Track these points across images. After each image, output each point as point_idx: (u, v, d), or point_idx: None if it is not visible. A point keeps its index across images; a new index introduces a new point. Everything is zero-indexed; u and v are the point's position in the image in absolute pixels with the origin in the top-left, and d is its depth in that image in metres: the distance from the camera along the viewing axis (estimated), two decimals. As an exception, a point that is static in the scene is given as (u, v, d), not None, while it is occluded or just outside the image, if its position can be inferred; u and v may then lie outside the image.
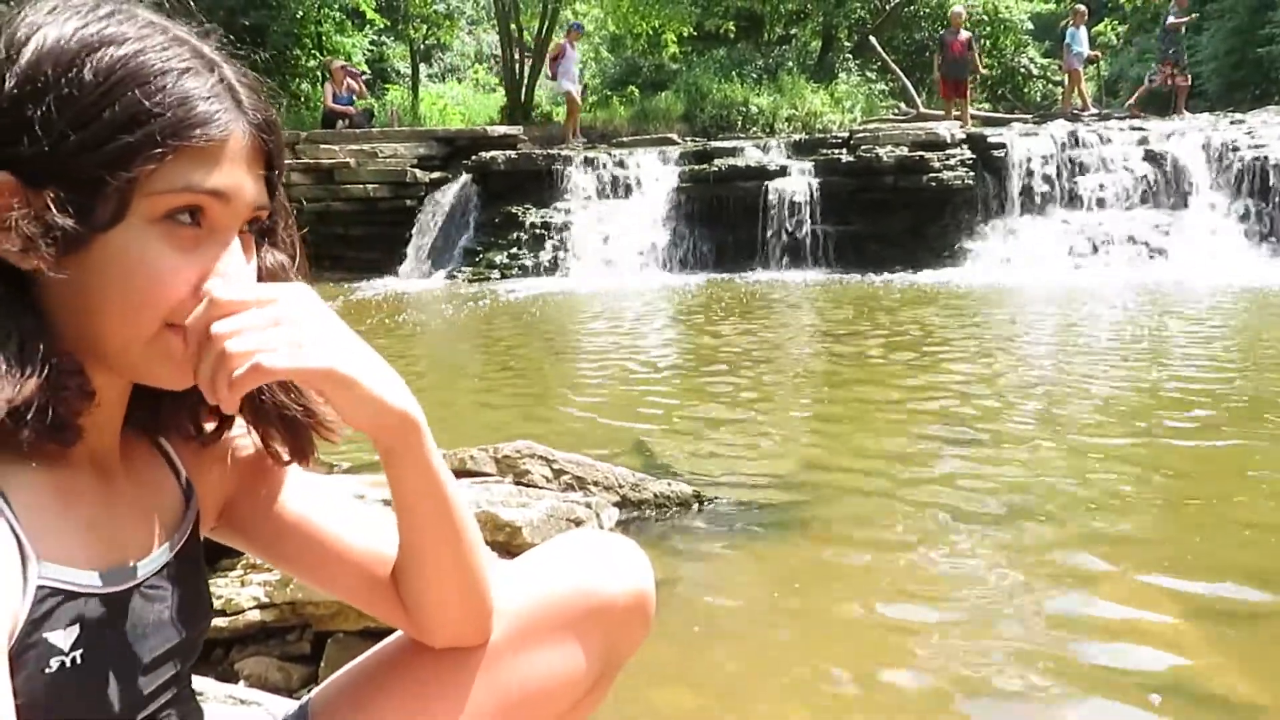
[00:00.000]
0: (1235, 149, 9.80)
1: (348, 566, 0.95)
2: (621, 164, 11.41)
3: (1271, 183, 9.45)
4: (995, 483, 3.66)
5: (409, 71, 20.51)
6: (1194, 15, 13.34)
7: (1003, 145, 10.27)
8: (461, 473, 3.32)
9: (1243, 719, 2.13)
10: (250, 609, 2.21)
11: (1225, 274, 8.68)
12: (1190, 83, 13.16)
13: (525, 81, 17.92)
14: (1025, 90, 23.74)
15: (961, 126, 11.38)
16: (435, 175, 11.68)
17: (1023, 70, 23.23)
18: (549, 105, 19.54)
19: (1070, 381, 5.22)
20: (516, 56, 18.03)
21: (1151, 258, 9.30)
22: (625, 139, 13.65)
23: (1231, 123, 10.73)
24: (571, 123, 14.02)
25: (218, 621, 2.19)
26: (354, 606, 1.08)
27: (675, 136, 13.24)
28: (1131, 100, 13.25)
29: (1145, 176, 9.93)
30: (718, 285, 9.70)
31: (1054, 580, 2.80)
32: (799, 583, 2.94)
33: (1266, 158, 9.56)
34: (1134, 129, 10.71)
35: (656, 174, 11.18)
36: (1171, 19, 13.13)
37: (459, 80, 24.59)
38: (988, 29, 21.54)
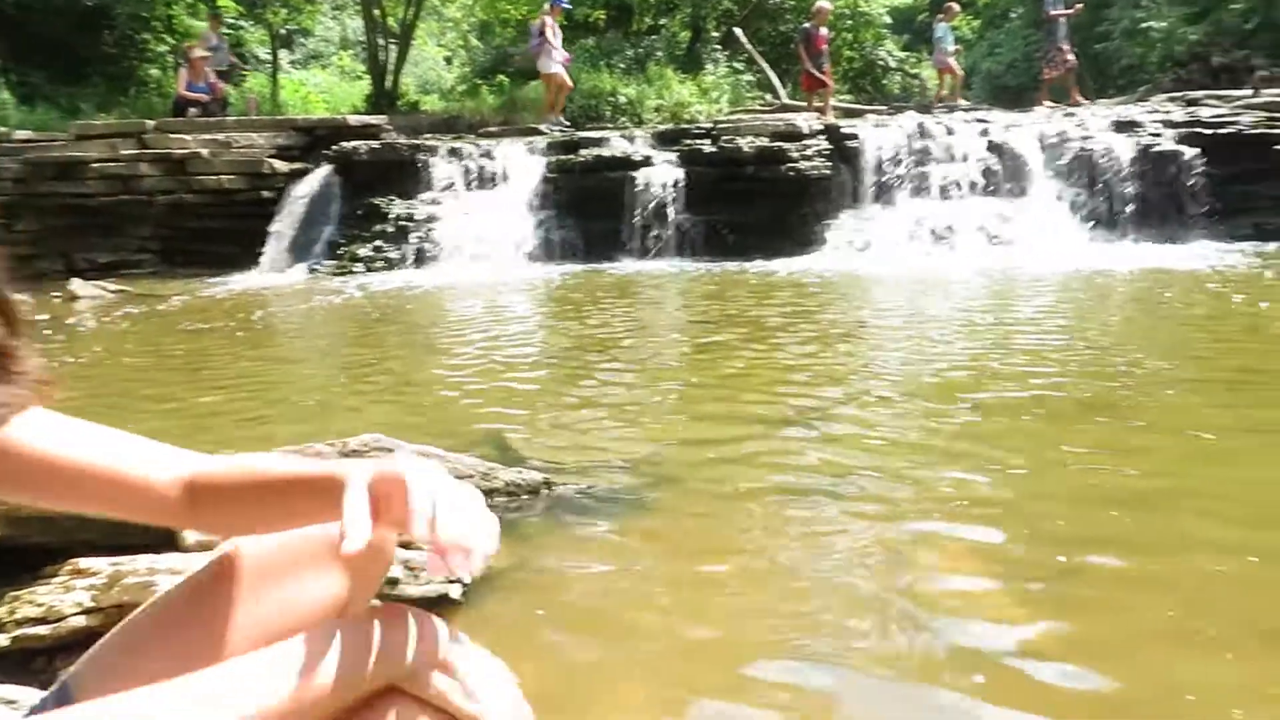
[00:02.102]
0: (1066, 140, 10.44)
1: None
2: (488, 155, 11.35)
3: (1098, 172, 10.12)
4: (839, 461, 3.83)
5: (269, 57, 19.81)
6: (1078, 6, 13.43)
7: (856, 136, 10.67)
8: (307, 469, 3.31)
9: (1077, 687, 2.32)
10: (74, 615, 2.17)
11: (1060, 259, 9.26)
12: (1053, 75, 13.47)
13: (391, 69, 17.55)
14: (884, 83, 24.62)
15: (819, 118, 11.76)
16: (294, 166, 11.35)
17: (881, 63, 24.08)
18: (416, 94, 19.21)
19: (916, 363, 5.50)
20: (381, 43, 17.63)
21: (994, 244, 9.83)
22: (493, 129, 13.57)
23: (1064, 115, 11.42)
24: (559, 102, 13.69)
25: (39, 629, 2.14)
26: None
27: (543, 127, 13.22)
28: (1041, 96, 13.53)
29: (988, 166, 10.49)
30: (586, 276, 9.78)
31: (896, 555, 2.96)
32: (641, 564, 3.03)
33: (1093, 148, 10.23)
34: (977, 120, 11.28)
35: (523, 164, 11.17)
36: (1050, 10, 13.38)
37: (323, 67, 23.89)
38: (849, 22, 22.26)
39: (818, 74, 12.99)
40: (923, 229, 10.06)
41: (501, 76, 18.72)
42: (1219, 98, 11.28)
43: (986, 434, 4.10)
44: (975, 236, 9.88)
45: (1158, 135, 10.25)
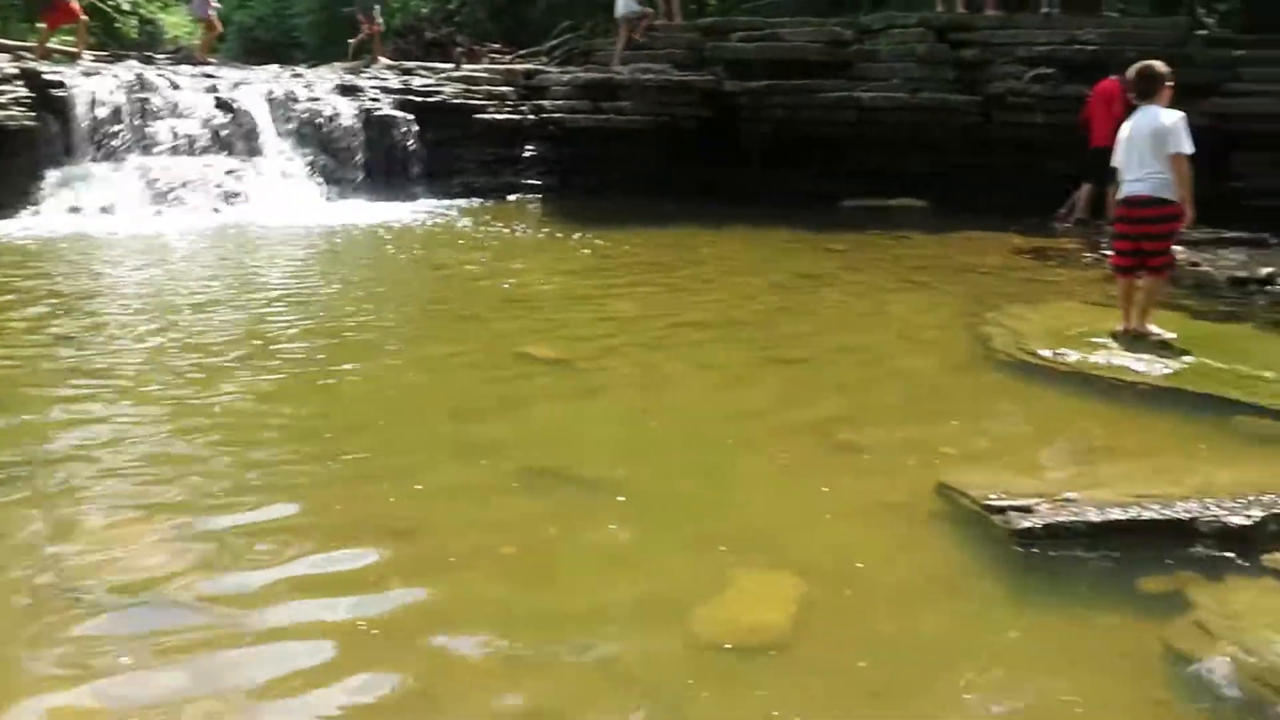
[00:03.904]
0: (295, 100, 10.71)
1: None
2: None
3: (326, 133, 10.59)
4: (31, 446, 3.51)
5: None
6: None
7: (63, 85, 9.55)
8: None
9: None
10: None
11: (298, 216, 9.52)
12: (381, 30, 13.58)
13: None
14: (119, 26, 22.63)
15: (14, 59, 10.27)
16: None
17: (112, 4, 22.02)
18: None
19: (150, 333, 5.22)
20: None
21: (230, 202, 9.69)
22: None
23: (293, 75, 11.67)
24: None
25: None
26: None
27: None
28: (350, 57, 13.34)
29: (218, 123, 10.25)
30: None
31: (81, 541, 2.78)
32: None
33: (321, 110, 10.67)
34: (205, 75, 10.93)
35: None
36: None
37: None
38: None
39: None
40: (153, 187, 9.47)
41: None
42: (429, 69, 12.56)
43: (215, 401, 4.08)
44: (210, 195, 9.63)
45: (377, 101, 11.07)
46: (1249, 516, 2.75)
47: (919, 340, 5.47)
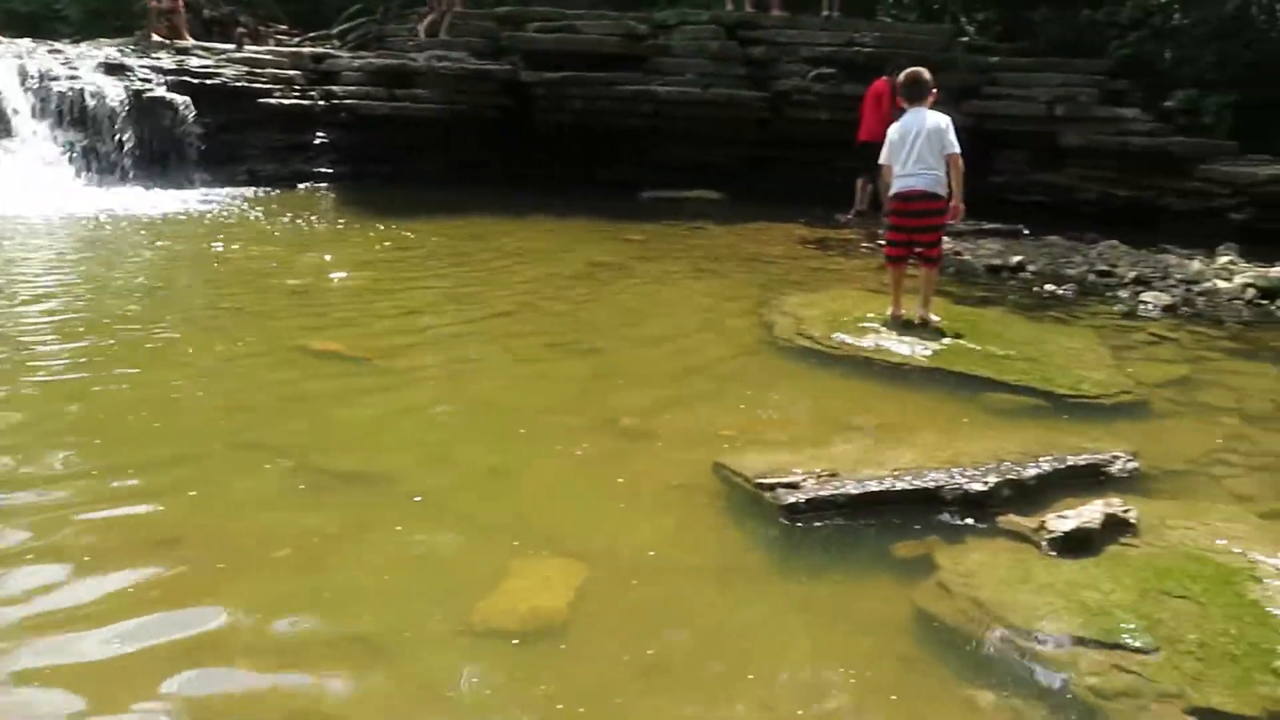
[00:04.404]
0: (53, 78, 9.83)
1: None
2: None
3: (90, 114, 9.78)
4: None
5: None
6: None
7: None
8: None
9: None
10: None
11: (56, 205, 8.74)
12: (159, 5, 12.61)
13: None
14: None
15: None
16: None
17: None
18: None
19: None
20: None
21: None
22: None
23: (49, 51, 10.70)
24: None
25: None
26: None
27: None
28: (151, 29, 12.27)
29: (-39, 102, 9.28)
30: None
31: None
32: None
33: (83, 90, 9.83)
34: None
35: None
36: None
37: None
38: None
39: None
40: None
41: None
42: (207, 49, 11.82)
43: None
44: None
45: (148, 81, 10.31)
46: (986, 483, 3.04)
47: (708, 327, 5.67)
